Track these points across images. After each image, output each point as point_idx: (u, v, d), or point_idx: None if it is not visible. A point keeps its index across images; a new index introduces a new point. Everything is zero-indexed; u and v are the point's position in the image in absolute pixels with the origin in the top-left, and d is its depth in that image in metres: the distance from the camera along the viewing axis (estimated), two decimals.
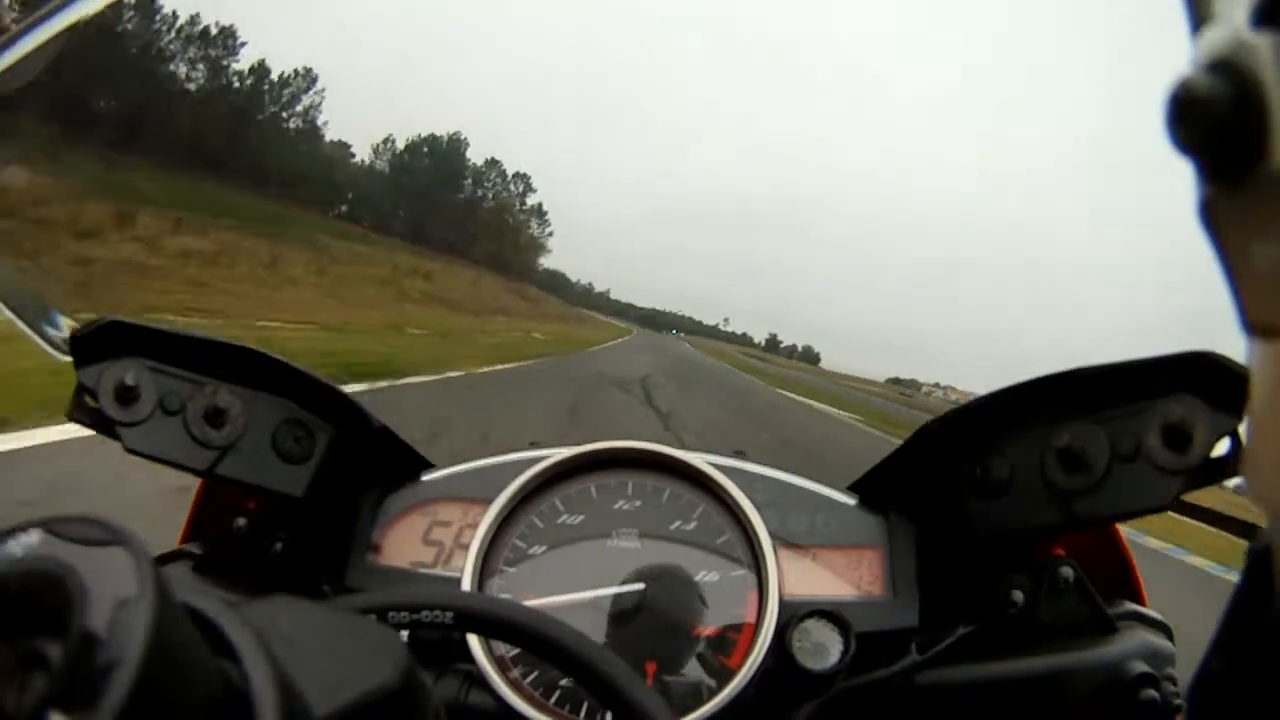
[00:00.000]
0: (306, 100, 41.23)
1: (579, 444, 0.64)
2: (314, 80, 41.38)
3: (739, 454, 0.65)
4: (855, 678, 0.53)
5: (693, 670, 0.54)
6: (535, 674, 0.54)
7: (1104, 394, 0.51)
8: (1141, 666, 0.51)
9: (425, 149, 53.93)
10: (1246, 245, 0.15)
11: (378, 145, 50.85)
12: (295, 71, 40.99)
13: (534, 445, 0.66)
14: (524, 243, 59.59)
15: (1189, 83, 0.15)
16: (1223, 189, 0.15)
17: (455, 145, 55.34)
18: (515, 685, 0.52)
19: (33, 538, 0.17)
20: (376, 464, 0.66)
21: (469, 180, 55.64)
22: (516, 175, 58.36)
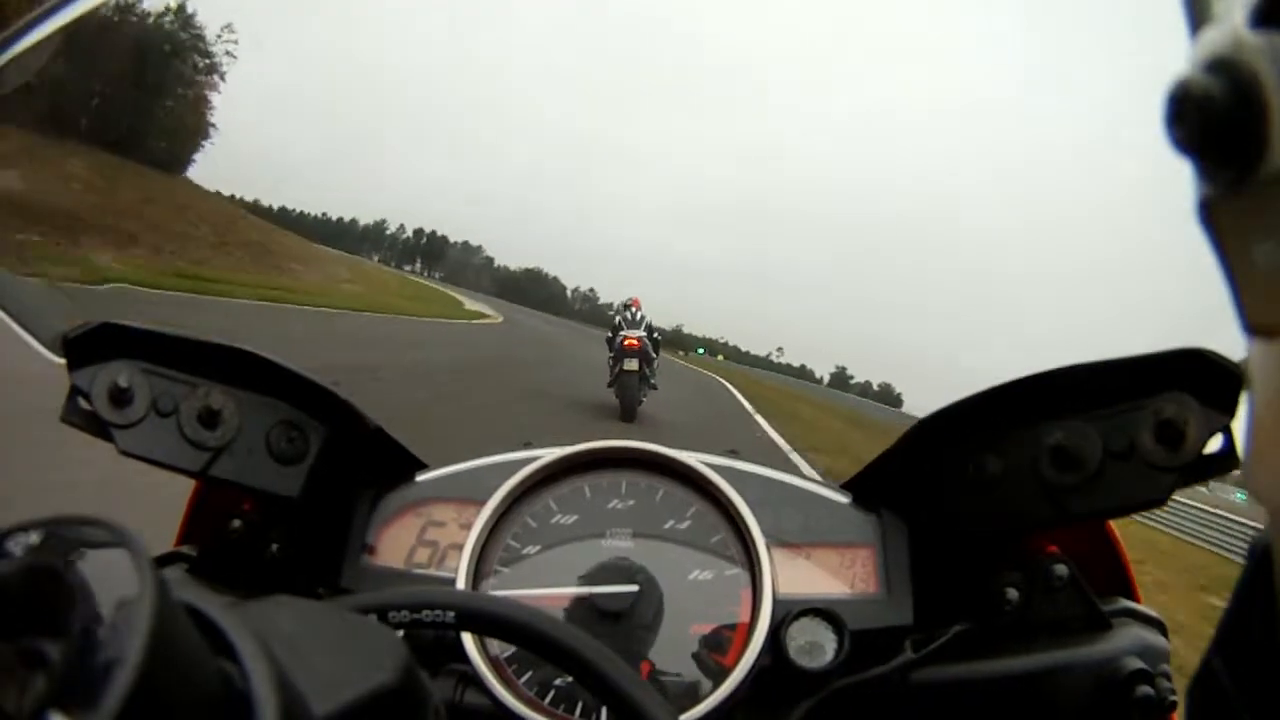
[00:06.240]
0: None
1: (572, 444, 0.64)
2: None
3: (732, 453, 0.65)
4: (850, 676, 0.53)
5: (687, 670, 0.54)
6: (530, 674, 0.54)
7: (1097, 392, 0.51)
8: (1136, 663, 0.51)
9: None
10: (1246, 245, 0.15)
11: None
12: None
13: (528, 445, 0.66)
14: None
15: (1188, 82, 0.15)
16: (1222, 189, 0.15)
17: None
18: (511, 685, 0.52)
19: (33, 537, 0.17)
20: (371, 465, 0.65)
21: None
22: None
